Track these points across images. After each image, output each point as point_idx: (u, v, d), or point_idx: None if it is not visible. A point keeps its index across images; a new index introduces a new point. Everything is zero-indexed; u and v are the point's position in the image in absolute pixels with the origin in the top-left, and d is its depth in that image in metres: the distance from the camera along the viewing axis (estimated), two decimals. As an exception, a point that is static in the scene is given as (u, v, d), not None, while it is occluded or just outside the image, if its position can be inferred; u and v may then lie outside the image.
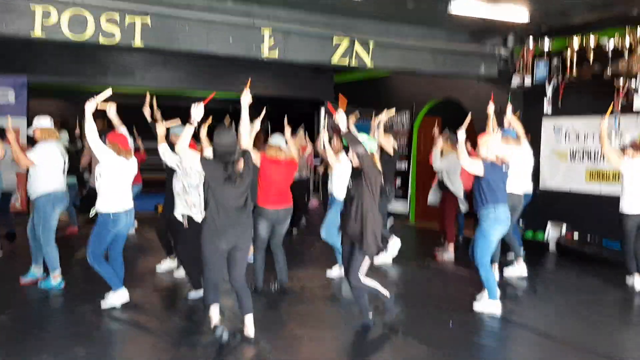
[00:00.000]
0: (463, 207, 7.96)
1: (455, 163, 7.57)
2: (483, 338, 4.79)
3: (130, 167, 5.23)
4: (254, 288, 5.81)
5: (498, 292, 5.37)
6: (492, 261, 5.81)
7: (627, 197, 6.19)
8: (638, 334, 5.02)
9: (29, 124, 9.99)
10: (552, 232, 8.40)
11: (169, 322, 4.99)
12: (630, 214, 6.17)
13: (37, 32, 6.12)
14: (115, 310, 5.23)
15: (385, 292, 4.82)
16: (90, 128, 4.97)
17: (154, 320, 5.05)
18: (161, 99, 13.97)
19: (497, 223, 5.28)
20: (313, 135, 15.81)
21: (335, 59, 7.55)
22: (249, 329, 4.51)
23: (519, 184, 6.47)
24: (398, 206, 11.18)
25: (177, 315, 5.20)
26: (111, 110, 5.48)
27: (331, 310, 5.46)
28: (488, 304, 5.37)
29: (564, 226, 8.25)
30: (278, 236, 5.93)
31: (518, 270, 6.72)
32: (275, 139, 5.89)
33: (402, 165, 11.07)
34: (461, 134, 5.47)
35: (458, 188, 7.62)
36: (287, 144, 5.90)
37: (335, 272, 6.54)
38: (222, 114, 17.68)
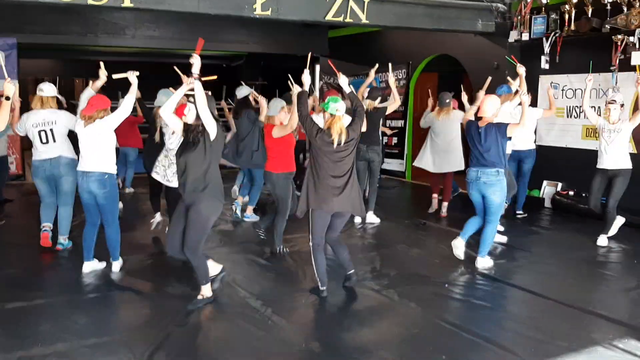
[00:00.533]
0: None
1: (430, 122, 7.66)
2: (477, 298, 4.84)
3: (82, 133, 5.13)
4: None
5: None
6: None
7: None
8: (629, 292, 5.09)
9: (21, 85, 9.90)
10: (547, 188, 8.45)
11: (168, 286, 5.03)
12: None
13: (24, -6, 5.98)
14: (113, 275, 5.29)
15: (321, 281, 4.81)
16: (87, 92, 5.47)
17: (151, 284, 5.11)
18: (152, 57, 13.93)
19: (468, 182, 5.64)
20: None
21: (330, 16, 7.40)
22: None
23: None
24: (394, 164, 11.19)
25: (175, 278, 5.23)
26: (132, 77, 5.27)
27: (328, 274, 5.47)
28: (479, 261, 5.60)
29: (560, 182, 8.29)
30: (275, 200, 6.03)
31: None
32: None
33: (398, 123, 11.01)
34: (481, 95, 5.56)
35: (435, 149, 7.70)
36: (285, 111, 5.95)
37: None
38: (215, 70, 17.59)
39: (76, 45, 11.70)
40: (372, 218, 7.42)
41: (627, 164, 6.30)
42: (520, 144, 7.26)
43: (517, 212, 7.72)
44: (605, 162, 6.31)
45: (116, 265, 5.39)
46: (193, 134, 4.35)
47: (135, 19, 10.98)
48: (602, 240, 6.37)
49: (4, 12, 9.66)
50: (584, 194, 7.84)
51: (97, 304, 4.70)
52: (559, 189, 8.30)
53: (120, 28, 10.99)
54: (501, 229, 6.46)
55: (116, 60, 14.65)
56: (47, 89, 5.91)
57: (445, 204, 7.86)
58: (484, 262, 5.58)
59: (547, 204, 8.32)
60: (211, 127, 4.29)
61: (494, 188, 5.40)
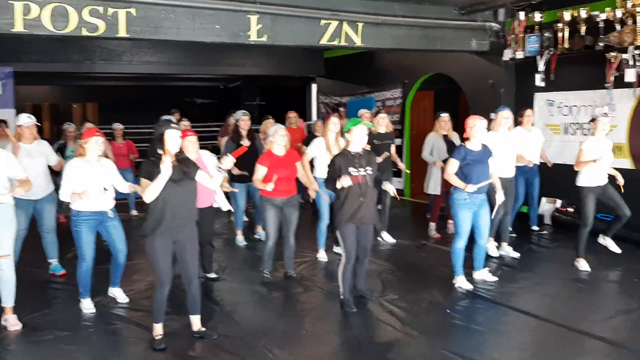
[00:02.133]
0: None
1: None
2: (479, 324, 4.82)
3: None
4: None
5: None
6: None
7: None
8: (631, 314, 5.06)
9: (19, 112, 9.96)
10: (546, 205, 8.45)
11: (168, 319, 4.99)
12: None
13: (19, 27, 6.01)
14: (114, 308, 5.26)
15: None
16: None
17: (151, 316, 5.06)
18: (149, 80, 14.02)
19: None
20: (304, 110, 15.76)
21: (324, 41, 7.46)
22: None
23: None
24: (393, 182, 11.18)
25: (174, 310, 5.16)
26: None
27: (329, 301, 5.44)
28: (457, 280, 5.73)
29: (558, 200, 8.30)
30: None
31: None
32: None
33: (396, 141, 11.03)
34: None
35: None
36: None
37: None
38: (213, 92, 17.70)
39: (73, 72, 11.78)
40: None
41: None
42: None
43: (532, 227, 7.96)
44: (600, 179, 6.20)
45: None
46: (182, 164, 4.33)
47: (132, 45, 11.06)
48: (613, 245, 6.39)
49: (0, 42, 9.72)
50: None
51: (99, 339, 4.68)
52: (558, 205, 8.30)
53: (117, 54, 11.08)
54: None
55: (113, 85, 14.81)
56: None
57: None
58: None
59: (547, 220, 8.32)
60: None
61: None
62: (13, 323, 4.82)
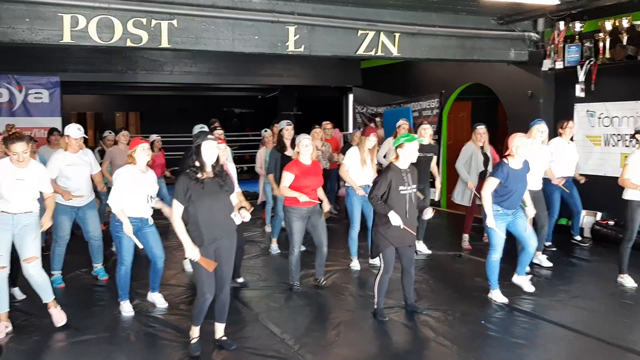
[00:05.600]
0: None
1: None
2: (514, 336, 4.75)
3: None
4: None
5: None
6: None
7: None
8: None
9: (65, 121, 10.32)
10: (586, 218, 8.28)
11: (205, 323, 5.06)
12: None
13: (66, 39, 6.24)
14: (152, 311, 5.39)
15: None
16: None
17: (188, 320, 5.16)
18: (189, 90, 14.30)
19: None
20: (341, 120, 15.83)
21: (361, 51, 7.51)
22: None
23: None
24: (430, 193, 11.12)
25: (212, 314, 5.24)
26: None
27: (362, 309, 5.46)
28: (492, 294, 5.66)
29: (599, 212, 8.14)
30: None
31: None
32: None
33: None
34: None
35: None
36: None
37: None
38: (251, 102, 17.94)
39: (117, 82, 12.14)
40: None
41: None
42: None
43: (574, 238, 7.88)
44: None
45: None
46: (218, 177, 4.36)
47: (173, 56, 11.34)
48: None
49: (49, 53, 10.11)
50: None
51: (137, 341, 4.80)
52: (598, 218, 8.14)
53: (159, 65, 11.37)
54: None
55: (154, 94, 15.19)
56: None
57: None
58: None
59: (587, 233, 8.16)
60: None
61: None
62: (57, 317, 4.99)
